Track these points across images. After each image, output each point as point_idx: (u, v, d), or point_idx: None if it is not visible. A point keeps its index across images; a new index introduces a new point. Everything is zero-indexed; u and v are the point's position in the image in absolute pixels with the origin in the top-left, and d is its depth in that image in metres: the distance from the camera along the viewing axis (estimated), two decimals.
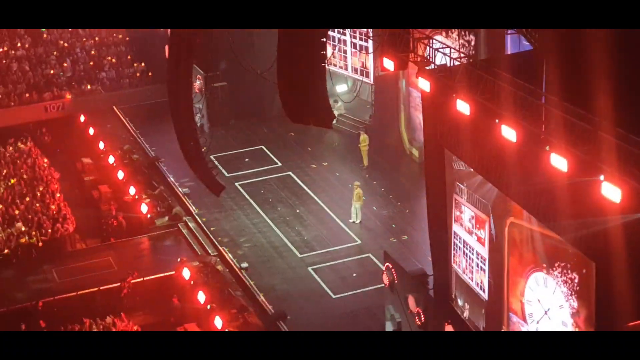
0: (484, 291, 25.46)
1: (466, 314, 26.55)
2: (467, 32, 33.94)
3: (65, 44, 51.19)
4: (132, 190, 37.96)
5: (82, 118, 45.18)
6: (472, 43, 33.93)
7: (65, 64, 49.34)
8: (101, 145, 42.31)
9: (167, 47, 32.56)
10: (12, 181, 38.19)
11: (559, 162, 20.16)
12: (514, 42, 30.94)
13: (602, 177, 18.89)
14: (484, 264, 25.31)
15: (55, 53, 50.36)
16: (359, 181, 36.67)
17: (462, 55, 25.57)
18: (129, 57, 50.72)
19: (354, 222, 35.55)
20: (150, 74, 48.84)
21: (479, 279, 25.72)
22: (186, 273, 32.19)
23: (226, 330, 29.19)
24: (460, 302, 26.82)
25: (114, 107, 46.86)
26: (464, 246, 26.35)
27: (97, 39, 51.63)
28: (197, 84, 41.15)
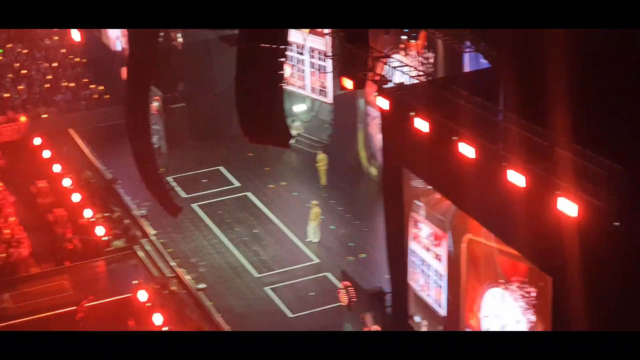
0: (441, 308, 25.44)
1: (424, 330, 26.51)
2: (426, 50, 34.07)
3: (22, 66, 50.76)
4: (88, 213, 37.57)
5: (38, 141, 44.74)
6: (431, 61, 34.03)
7: (20, 87, 48.88)
8: (57, 168, 41.89)
9: (124, 69, 32.36)
10: None
11: (516, 178, 20.22)
12: (471, 60, 31.07)
13: (559, 193, 18.95)
14: (442, 281, 25.31)
15: (10, 75, 49.91)
16: (317, 200, 36.59)
17: (420, 73, 25.62)
18: (85, 80, 50.35)
19: (311, 241, 35.45)
20: (107, 96, 48.52)
21: (436, 296, 25.70)
22: (143, 295, 31.88)
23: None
24: (417, 319, 26.77)
25: (70, 129, 46.44)
26: (421, 263, 26.34)
27: (55, 64, 51.23)
28: (155, 105, 40.92)
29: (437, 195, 24.83)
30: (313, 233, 35.49)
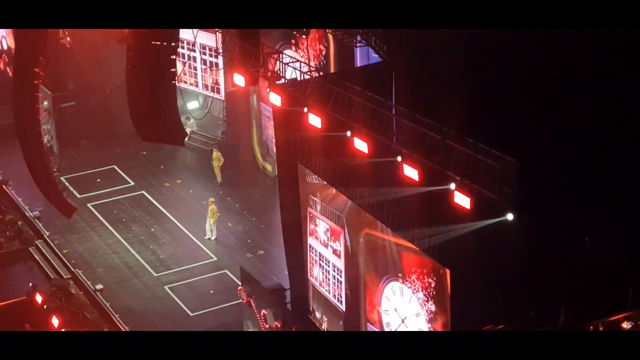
0: (341, 303, 25.69)
1: (324, 326, 26.74)
2: (316, 43, 34.24)
3: None
4: None
5: None
6: (323, 56, 34.24)
7: None
8: None
9: (11, 68, 31.84)
10: None
11: (410, 172, 20.52)
12: (362, 55, 31.37)
13: (452, 186, 19.29)
14: (341, 276, 25.54)
15: None
16: (213, 197, 36.52)
17: (312, 68, 25.77)
18: None
19: (209, 238, 35.36)
20: None
21: (335, 291, 25.93)
22: (39, 298, 31.42)
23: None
24: (318, 315, 27.00)
25: None
26: (320, 259, 26.54)
27: None
28: (45, 104, 40.29)
29: (333, 191, 25.03)
30: (210, 230, 35.41)
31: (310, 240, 26.81)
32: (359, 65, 31.84)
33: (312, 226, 26.61)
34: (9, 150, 39.56)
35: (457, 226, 19.58)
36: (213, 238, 35.36)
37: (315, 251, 26.66)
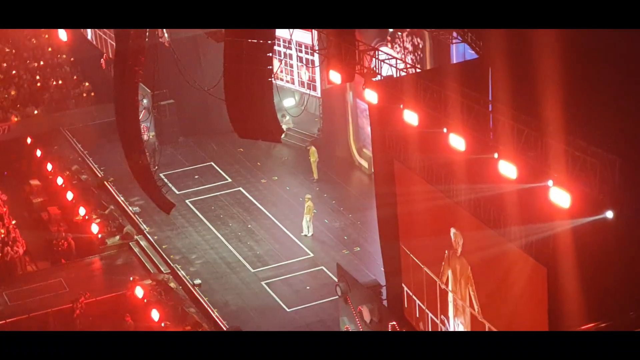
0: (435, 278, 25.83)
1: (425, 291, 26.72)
2: (412, 38, 34.18)
3: (11, 66, 50.75)
4: (81, 211, 37.69)
5: (29, 140, 44.80)
6: (419, 53, 34.19)
7: (10, 89, 48.87)
8: (49, 166, 41.96)
9: (112, 67, 32.43)
10: None
11: (507, 169, 20.37)
12: (459, 52, 31.24)
13: (550, 183, 19.10)
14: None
15: None
16: (310, 194, 36.73)
17: (408, 65, 25.74)
18: (74, 77, 50.41)
19: (305, 235, 35.58)
20: (92, 94, 48.56)
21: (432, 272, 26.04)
22: (139, 292, 32.03)
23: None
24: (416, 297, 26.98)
25: (61, 128, 46.50)
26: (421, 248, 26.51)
27: (41, 62, 51.26)
28: (144, 102, 41.01)
29: None
30: (307, 227, 35.62)
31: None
32: (455, 61, 31.71)
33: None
34: (111, 147, 40.43)
35: (555, 224, 19.39)
36: (309, 235, 35.57)
37: (416, 243, 26.63)
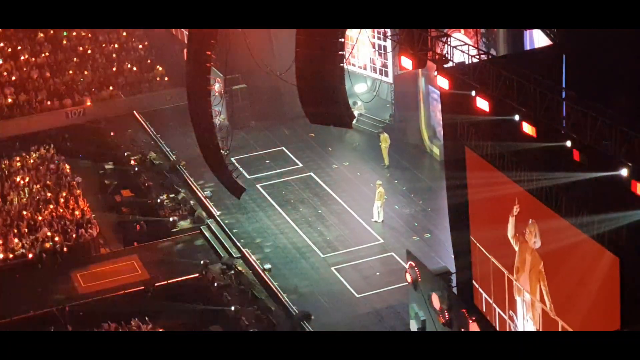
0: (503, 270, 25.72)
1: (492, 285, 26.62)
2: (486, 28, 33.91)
3: (86, 50, 51.41)
4: (153, 194, 38.09)
5: (104, 123, 45.39)
6: (491, 39, 33.90)
7: (85, 71, 49.54)
8: (122, 150, 42.47)
9: (185, 51, 32.65)
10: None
11: (580, 157, 20.14)
12: (532, 38, 30.92)
13: (625, 173, 18.86)
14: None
15: (75, 59, 50.59)
16: (381, 180, 36.68)
17: (480, 52, 25.53)
18: (149, 61, 50.90)
19: (375, 221, 35.56)
20: (166, 78, 48.98)
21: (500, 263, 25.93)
22: (210, 275, 32.30)
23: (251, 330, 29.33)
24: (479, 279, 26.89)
25: (134, 111, 47.02)
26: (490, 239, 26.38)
27: (116, 45, 51.83)
28: (217, 86, 41.25)
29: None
30: (377, 213, 35.59)
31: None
32: (528, 48, 31.39)
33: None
34: (183, 131, 40.78)
35: (628, 213, 19.14)
36: (380, 221, 35.54)
37: (484, 233, 26.50)
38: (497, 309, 26.38)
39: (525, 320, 25.01)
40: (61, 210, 36.93)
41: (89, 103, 46.88)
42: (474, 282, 27.39)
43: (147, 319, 30.79)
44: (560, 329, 23.23)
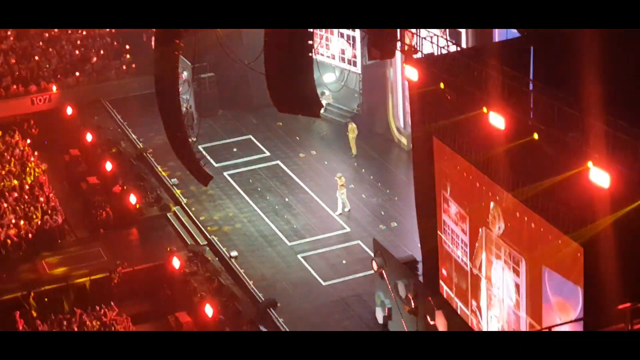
0: (466, 265, 26.01)
1: (455, 280, 26.89)
2: None
3: (52, 36, 51.07)
4: (120, 182, 37.99)
5: (69, 110, 45.15)
6: (460, 31, 34.07)
7: (51, 57, 49.24)
8: (88, 137, 42.28)
9: (153, 38, 32.56)
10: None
11: (547, 148, 20.34)
12: (501, 30, 31.12)
13: (590, 164, 19.08)
14: (467, 249, 25.84)
15: (40, 43, 50.27)
16: (345, 171, 36.80)
17: (449, 43, 25.70)
18: (115, 48, 50.67)
19: (340, 213, 35.50)
20: (134, 65, 48.80)
21: (463, 256, 26.20)
22: (176, 262, 32.30)
23: (218, 317, 29.38)
24: (449, 274, 27.20)
25: (101, 99, 46.81)
26: (452, 233, 26.64)
27: (83, 32, 51.54)
28: (185, 74, 41.17)
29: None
30: (342, 204, 35.64)
31: (444, 217, 26.87)
32: (497, 40, 31.61)
33: (445, 206, 26.69)
34: (150, 119, 40.62)
35: (594, 204, 19.37)
36: (347, 210, 35.59)
37: (448, 226, 26.73)
38: (459, 304, 26.69)
39: (489, 317, 25.30)
40: (26, 197, 36.73)
41: (54, 89, 46.60)
42: (441, 271, 27.63)
43: (112, 304, 30.74)
44: (526, 326, 23.52)
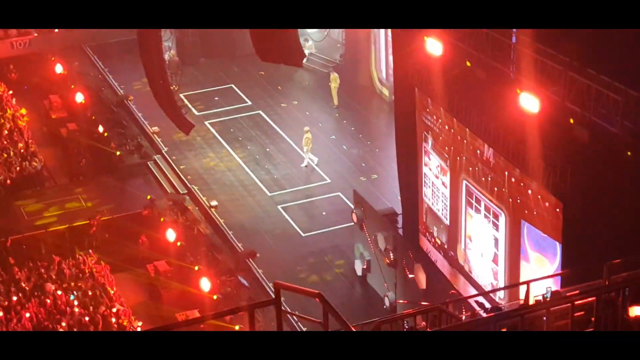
0: (446, 219, 26.03)
1: (435, 233, 26.93)
2: None
3: None
4: (100, 129, 37.73)
5: (50, 56, 44.69)
6: None
7: None
8: (69, 83, 41.90)
9: None
10: None
11: (529, 102, 20.27)
12: None
13: (572, 120, 19.03)
14: (447, 202, 25.82)
15: None
16: (328, 121, 36.63)
17: None
18: None
19: (305, 166, 35.27)
20: None
21: (443, 211, 26.21)
22: (156, 211, 32.20)
23: (196, 267, 29.34)
24: (429, 227, 27.23)
25: (82, 45, 46.35)
26: (432, 186, 26.61)
27: None
28: None
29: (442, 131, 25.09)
30: (309, 158, 35.40)
31: (425, 170, 26.82)
32: None
33: (426, 159, 26.64)
34: (131, 66, 40.30)
35: (573, 159, 19.33)
36: (315, 162, 35.24)
37: (429, 179, 26.70)
38: (439, 256, 26.72)
39: (468, 271, 25.37)
40: (5, 142, 36.43)
41: (35, 34, 46.08)
42: (421, 224, 27.63)
43: (91, 252, 30.63)
44: (504, 280, 23.58)
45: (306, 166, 35.31)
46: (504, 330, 15.19)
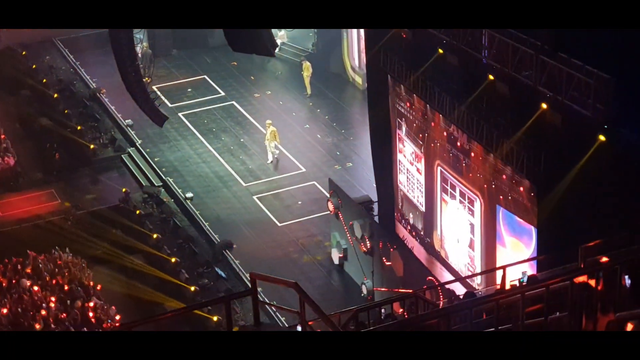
0: (422, 205, 26.08)
1: (411, 220, 26.98)
2: None
3: None
4: (73, 122, 37.53)
5: (20, 49, 44.41)
6: None
7: None
8: (40, 77, 41.66)
9: None
10: None
11: (501, 88, 20.30)
12: None
13: (544, 105, 19.06)
14: (422, 189, 25.86)
15: None
16: (302, 110, 36.57)
17: None
18: None
19: (271, 162, 35.12)
20: None
21: (418, 198, 26.24)
22: (131, 204, 32.10)
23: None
24: (405, 213, 27.28)
25: (53, 38, 46.07)
26: (407, 172, 26.64)
27: None
28: None
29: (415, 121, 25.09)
30: (272, 153, 35.24)
31: (399, 156, 26.84)
32: None
33: (401, 146, 26.66)
34: (103, 59, 40.09)
35: (547, 143, 19.38)
36: (271, 161, 35.10)
37: (403, 166, 26.72)
38: (416, 243, 26.75)
39: (444, 257, 25.40)
40: None
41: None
42: (397, 211, 27.66)
43: (67, 249, 30.47)
44: (480, 266, 23.65)
45: (271, 162, 35.19)
46: (484, 316, 15.26)
